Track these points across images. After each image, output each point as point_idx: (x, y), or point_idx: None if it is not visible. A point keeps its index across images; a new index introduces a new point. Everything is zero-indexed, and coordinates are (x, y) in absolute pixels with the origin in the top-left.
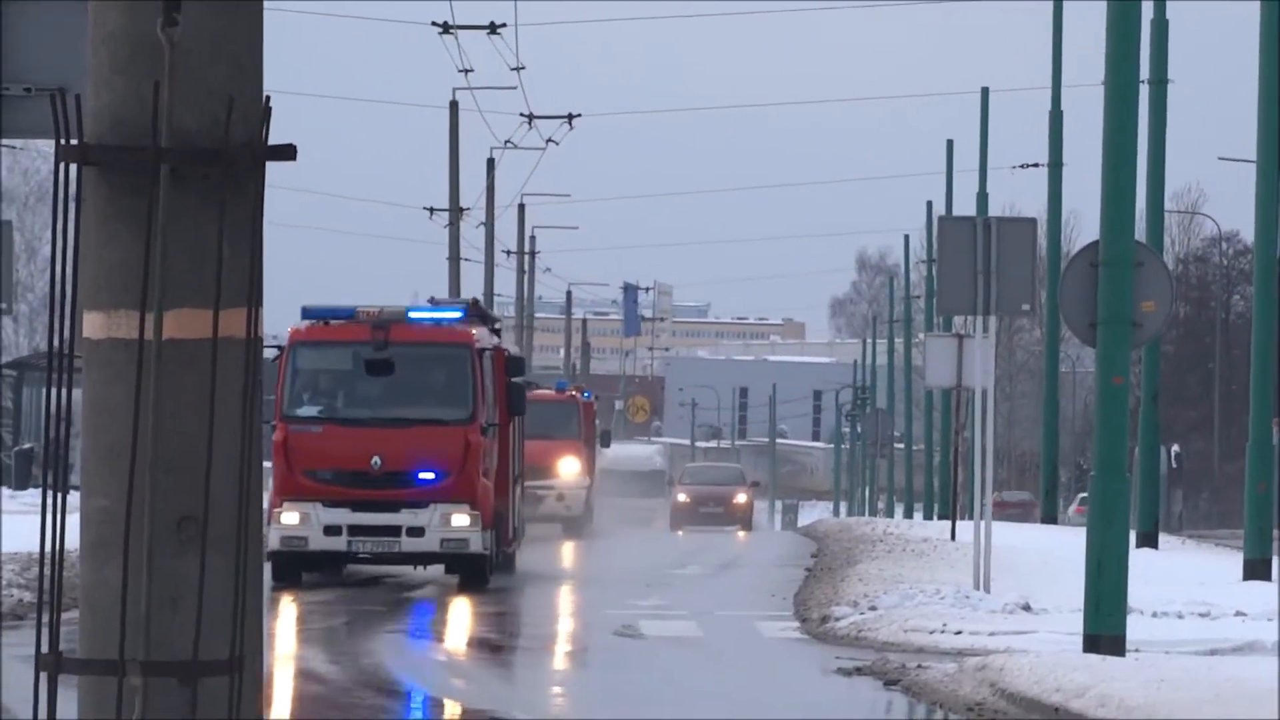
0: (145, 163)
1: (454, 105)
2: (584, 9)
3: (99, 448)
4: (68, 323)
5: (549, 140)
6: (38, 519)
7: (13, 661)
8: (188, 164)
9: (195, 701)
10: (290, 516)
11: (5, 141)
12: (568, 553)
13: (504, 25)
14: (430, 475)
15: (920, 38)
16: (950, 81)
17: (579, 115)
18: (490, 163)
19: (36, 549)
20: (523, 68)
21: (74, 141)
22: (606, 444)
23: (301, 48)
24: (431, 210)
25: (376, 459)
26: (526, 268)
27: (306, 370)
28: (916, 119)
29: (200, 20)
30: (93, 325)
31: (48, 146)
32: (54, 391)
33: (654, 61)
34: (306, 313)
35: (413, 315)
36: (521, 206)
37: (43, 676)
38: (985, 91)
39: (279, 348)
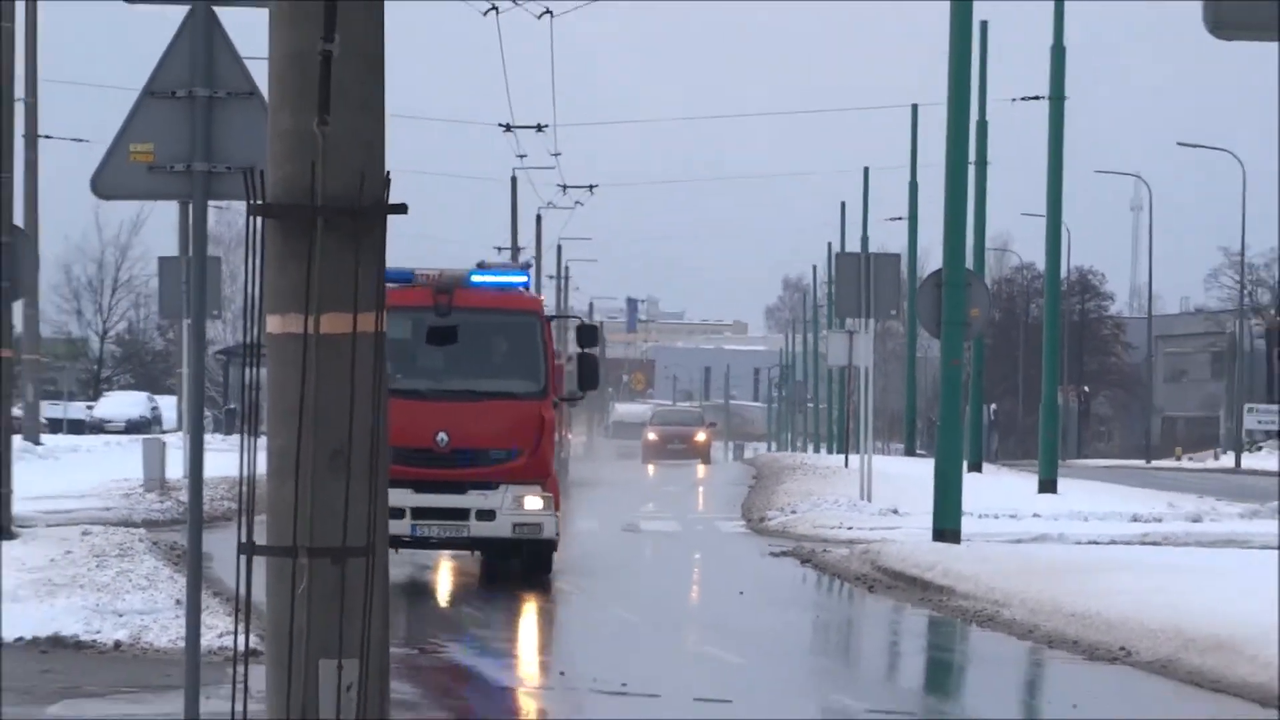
0: (307, 216)
1: (514, 180)
2: (606, 108)
3: (278, 406)
4: (256, 324)
5: (577, 202)
6: (237, 455)
7: (223, 547)
8: (335, 217)
9: (344, 575)
10: None
11: (214, 202)
12: (575, 481)
13: (547, 125)
14: (501, 453)
15: (806, 120)
16: (832, 162)
17: (597, 185)
18: (538, 218)
19: (237, 473)
20: (559, 154)
21: (259, 202)
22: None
23: (403, 138)
24: (500, 249)
25: (442, 435)
26: (563, 288)
27: None
28: (822, 185)
29: (342, 120)
30: (273, 325)
31: (242, 205)
32: (248, 370)
33: (659, 142)
34: None
35: (475, 279)
36: (559, 247)
37: (243, 558)
38: (866, 171)
39: None
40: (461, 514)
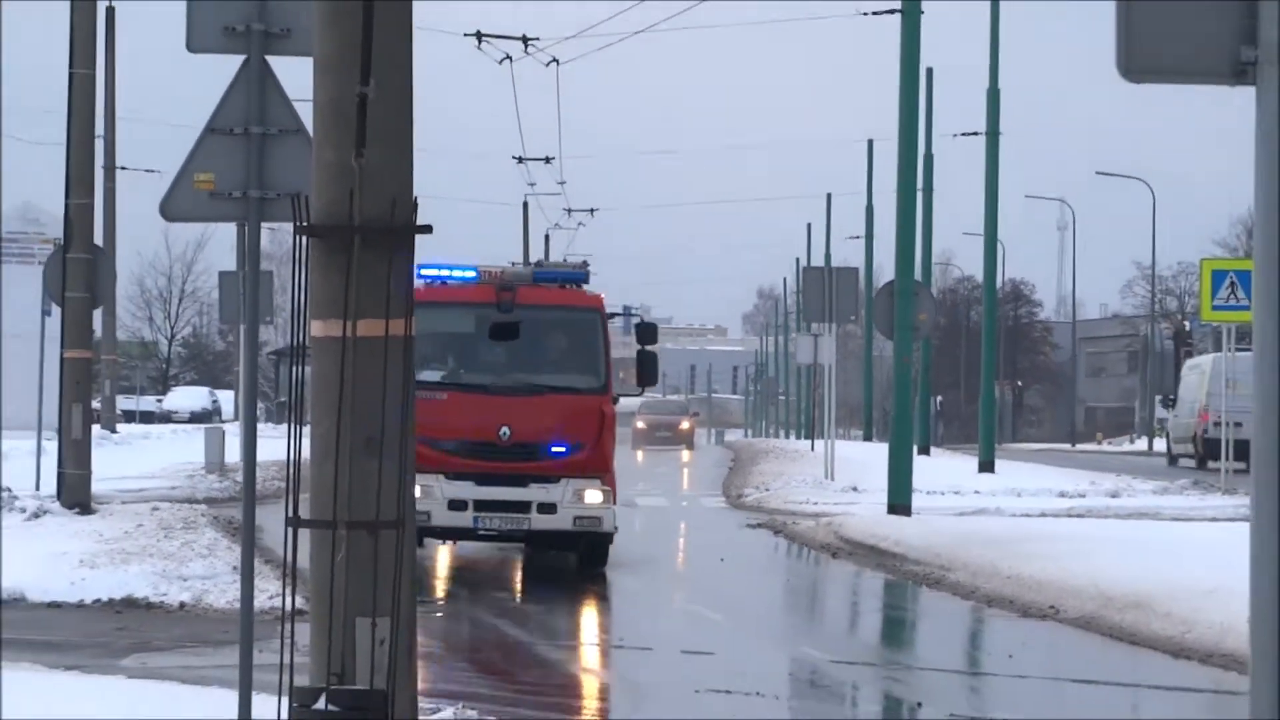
0: (346, 236)
1: (525, 205)
2: (605, 142)
3: (320, 399)
4: (302, 328)
5: (580, 223)
6: (285, 441)
7: (273, 521)
8: (370, 236)
9: (377, 545)
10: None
11: (266, 224)
12: None
13: (554, 158)
14: (562, 448)
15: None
16: (800, 188)
17: (597, 209)
18: (546, 238)
19: (285, 457)
20: (564, 182)
21: (305, 224)
22: None
23: (428, 168)
24: (513, 264)
25: (505, 429)
26: None
27: (426, 333)
28: (792, 208)
29: (376, 154)
30: (316, 329)
31: (290, 227)
32: (295, 367)
33: (653, 171)
34: (422, 271)
35: (539, 276)
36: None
37: (290, 530)
38: (829, 197)
39: None
40: (523, 507)
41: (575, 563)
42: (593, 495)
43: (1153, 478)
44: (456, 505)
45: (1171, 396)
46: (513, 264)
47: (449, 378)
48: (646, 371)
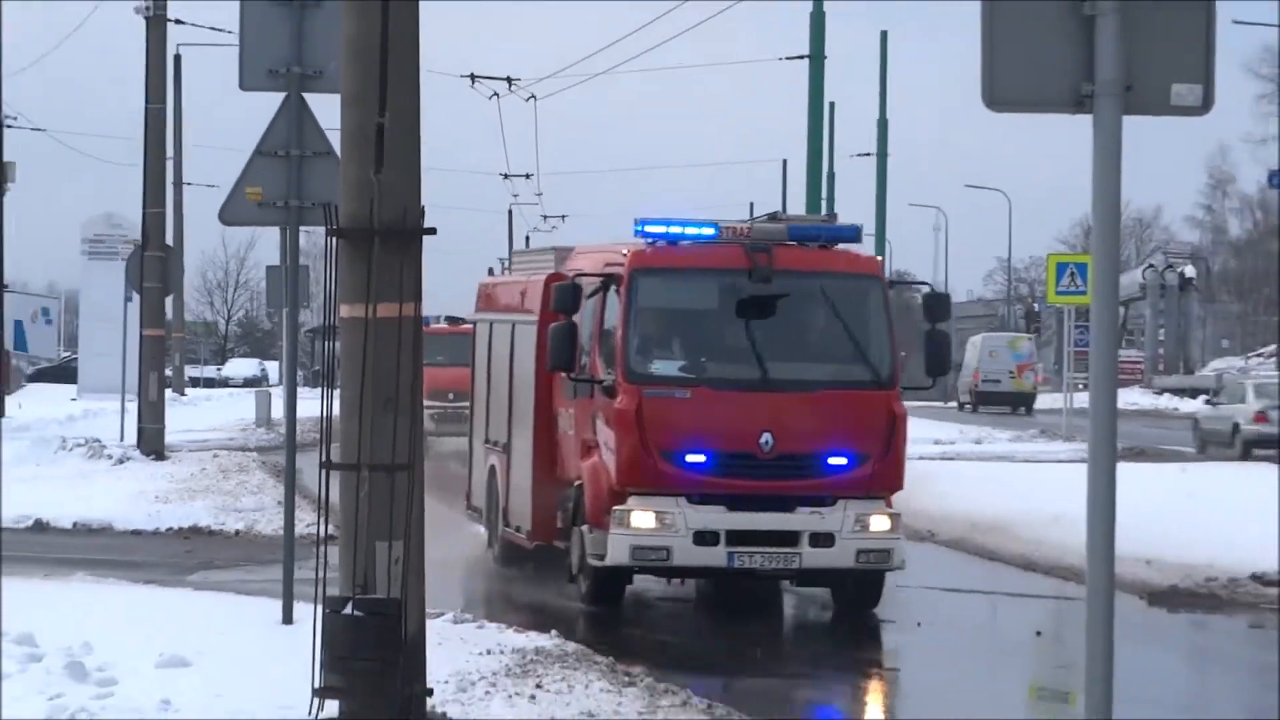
0: (367, 237)
1: (510, 212)
2: (575, 159)
3: (347, 367)
4: (333, 311)
5: (553, 227)
6: (318, 400)
7: (309, 464)
8: (387, 237)
9: (392, 483)
10: (643, 518)
11: (304, 228)
12: None
13: (532, 174)
14: (842, 459)
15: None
16: (724, 200)
17: (567, 215)
18: (527, 239)
19: (319, 413)
20: (540, 194)
21: (335, 227)
22: None
23: (433, 181)
24: (501, 260)
25: (766, 436)
26: None
27: (654, 310)
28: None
29: (391, 172)
30: (344, 311)
31: (323, 230)
32: (327, 342)
33: (615, 183)
34: (643, 228)
35: (795, 233)
36: None
37: (322, 472)
38: (751, 206)
39: (605, 276)
40: (791, 539)
41: (834, 601)
42: (879, 522)
43: (1009, 430)
44: (705, 538)
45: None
46: (500, 260)
47: (690, 370)
48: (938, 357)
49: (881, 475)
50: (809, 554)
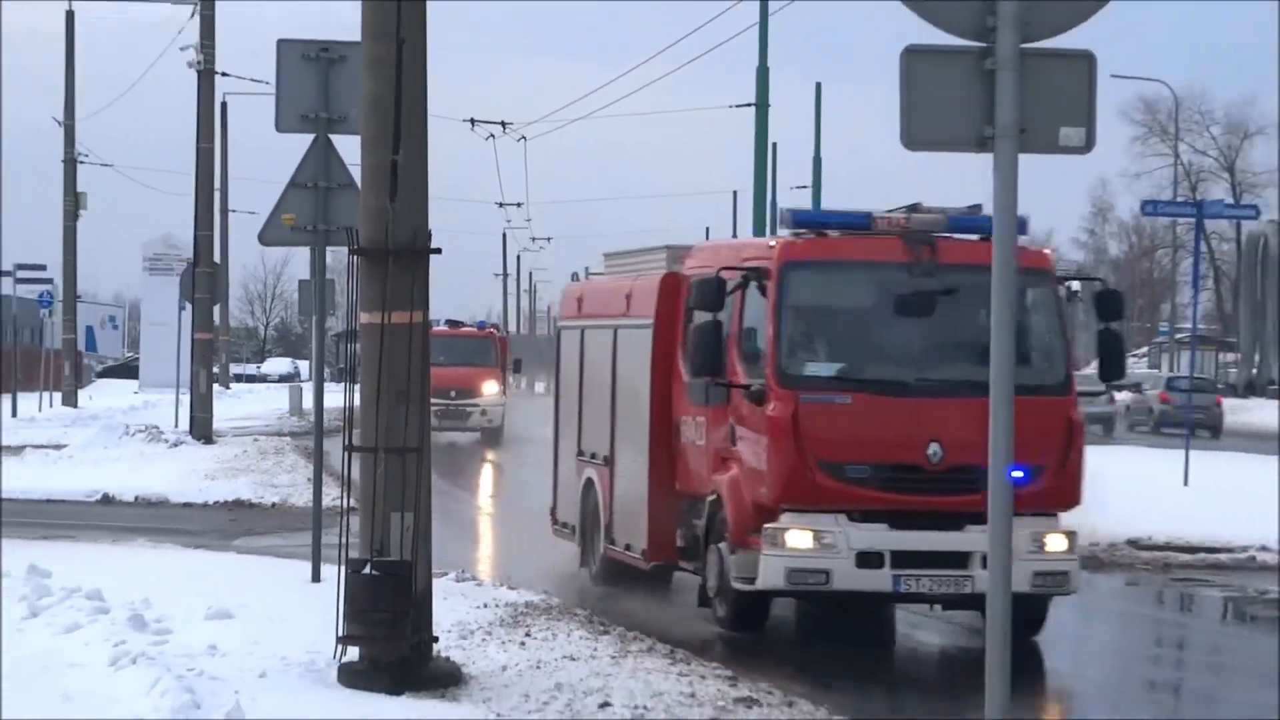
0: (383, 256)
1: (504, 235)
2: (561, 188)
3: (366, 366)
4: (354, 318)
5: (541, 247)
6: (341, 394)
7: (335, 447)
8: (400, 256)
9: (404, 464)
10: (800, 537)
11: (330, 248)
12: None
13: (523, 203)
14: (1019, 472)
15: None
16: (680, 224)
17: (552, 238)
18: (518, 258)
19: (343, 404)
20: (530, 219)
21: (356, 248)
22: (518, 370)
23: (440, 208)
24: (496, 274)
25: (934, 447)
26: (532, 294)
27: (806, 307)
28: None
29: (404, 201)
30: (363, 318)
31: (345, 249)
32: (350, 345)
33: (593, 209)
34: (792, 219)
35: (956, 223)
36: (530, 274)
37: (346, 454)
38: (708, 230)
39: (747, 271)
40: (961, 560)
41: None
42: (1056, 541)
43: None
44: (869, 560)
45: None
46: (495, 275)
47: (848, 372)
48: (1113, 360)
49: (1059, 489)
50: (981, 576)
